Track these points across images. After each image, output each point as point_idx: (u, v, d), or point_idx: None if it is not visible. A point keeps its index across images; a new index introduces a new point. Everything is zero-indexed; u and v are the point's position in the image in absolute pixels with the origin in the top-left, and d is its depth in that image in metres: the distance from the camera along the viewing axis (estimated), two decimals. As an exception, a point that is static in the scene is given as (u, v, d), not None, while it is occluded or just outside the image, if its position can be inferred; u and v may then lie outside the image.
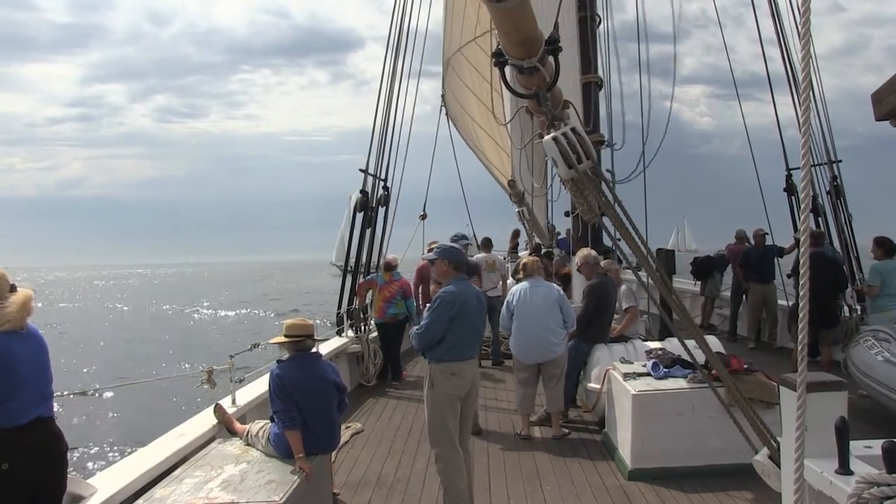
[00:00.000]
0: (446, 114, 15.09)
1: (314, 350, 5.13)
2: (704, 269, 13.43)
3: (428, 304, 5.03)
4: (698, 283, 13.67)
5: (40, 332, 3.47)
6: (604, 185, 4.05)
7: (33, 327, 3.42)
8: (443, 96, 15.13)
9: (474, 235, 14.82)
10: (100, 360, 23.04)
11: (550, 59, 4.15)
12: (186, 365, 19.66)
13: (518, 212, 16.20)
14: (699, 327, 7.20)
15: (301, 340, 4.87)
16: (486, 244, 11.90)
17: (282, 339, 4.93)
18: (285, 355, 4.90)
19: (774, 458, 3.22)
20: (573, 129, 3.80)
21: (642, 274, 4.59)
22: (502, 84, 4.55)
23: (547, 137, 3.86)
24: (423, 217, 13.26)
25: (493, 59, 4.20)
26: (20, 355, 3.24)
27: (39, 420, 3.29)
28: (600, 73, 10.50)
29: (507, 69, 4.27)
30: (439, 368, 4.80)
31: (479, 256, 10.82)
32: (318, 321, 5.21)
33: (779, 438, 3.16)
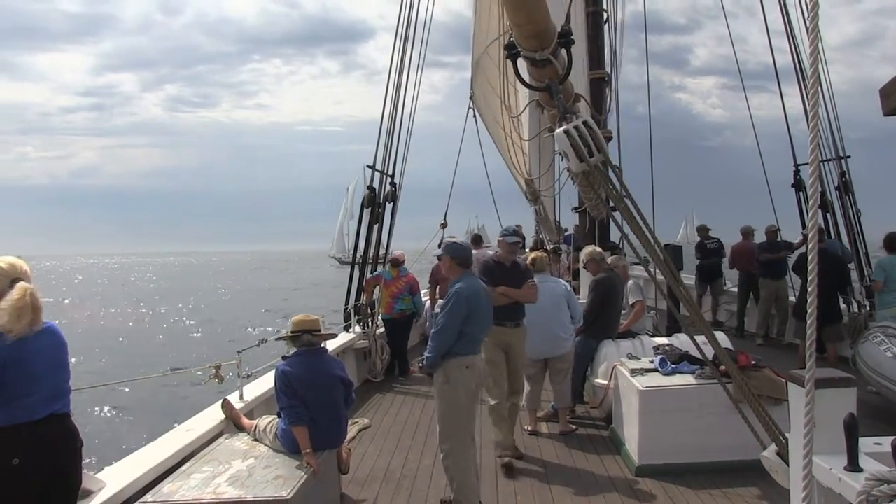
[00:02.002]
0: (473, 115, 14.95)
1: (321, 346, 5.14)
2: (707, 274, 13.39)
3: (439, 302, 5.08)
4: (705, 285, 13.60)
5: (60, 330, 3.46)
6: (614, 179, 4.03)
7: (52, 325, 3.41)
8: (471, 97, 15.01)
9: (510, 227, 14.63)
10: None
11: (563, 51, 4.14)
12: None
13: (535, 209, 16.12)
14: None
15: (298, 337, 4.89)
16: (477, 240, 11.87)
17: (286, 334, 4.95)
18: (292, 351, 4.92)
19: (783, 454, 3.21)
20: (585, 122, 3.79)
21: (651, 268, 4.57)
22: (516, 77, 4.54)
23: (559, 130, 3.84)
24: (444, 226, 13.24)
25: (506, 52, 4.20)
26: (36, 351, 3.23)
27: (54, 416, 3.27)
28: (607, 68, 10.49)
29: (520, 61, 4.27)
30: (455, 363, 4.81)
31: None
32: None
33: (787, 435, 3.15)
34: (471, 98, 15.01)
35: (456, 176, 14.36)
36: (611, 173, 3.94)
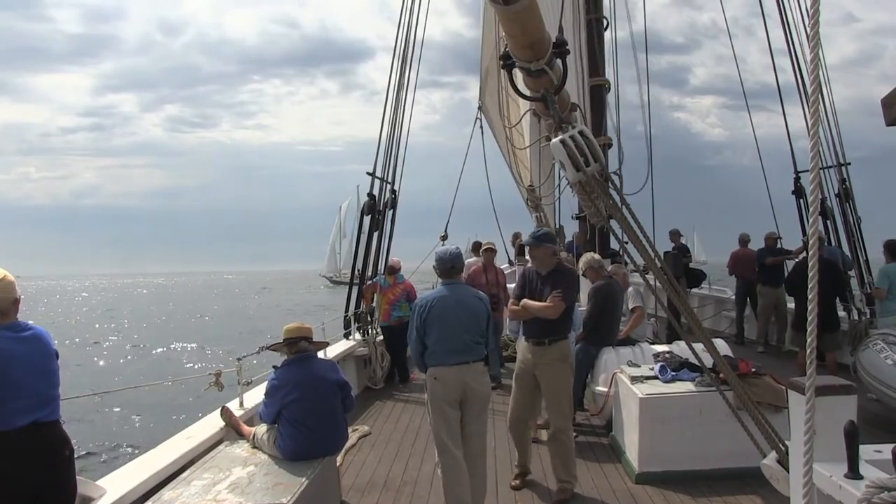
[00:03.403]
0: (481, 126, 14.88)
1: (313, 353, 5.10)
2: (697, 278, 13.58)
3: None
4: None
5: (48, 335, 3.41)
6: (611, 189, 4.05)
7: (40, 329, 3.36)
8: (479, 108, 14.96)
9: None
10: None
11: (558, 61, 4.16)
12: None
13: (536, 217, 16.16)
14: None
15: (296, 342, 4.88)
16: (476, 248, 11.92)
17: (280, 342, 4.93)
18: (283, 359, 4.92)
19: (783, 461, 3.21)
20: (581, 132, 3.80)
21: (650, 277, 4.57)
22: (511, 87, 4.55)
23: (555, 140, 3.86)
24: (444, 238, 13.29)
25: (501, 62, 4.21)
26: (16, 357, 3.15)
27: (37, 424, 3.18)
28: (609, 76, 10.53)
29: (515, 72, 4.28)
30: (428, 373, 4.87)
31: (469, 261, 10.86)
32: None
33: (787, 442, 3.15)
34: (479, 108, 14.98)
35: (457, 194, 14.38)
36: (612, 180, 3.95)
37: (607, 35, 10.65)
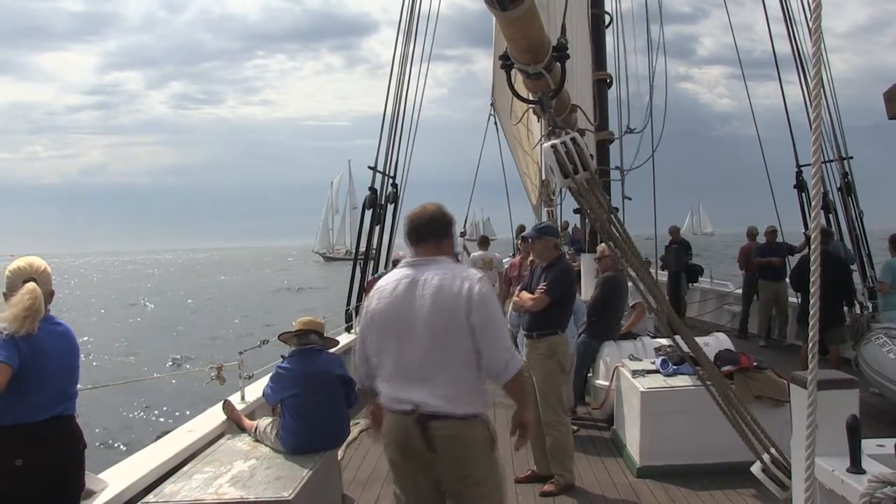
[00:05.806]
0: (495, 123, 14.90)
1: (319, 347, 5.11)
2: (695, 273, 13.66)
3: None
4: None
5: (73, 331, 3.48)
6: (600, 196, 4.04)
7: (69, 328, 3.45)
8: (492, 104, 14.96)
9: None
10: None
11: (557, 65, 4.15)
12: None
13: (548, 212, 16.15)
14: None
15: (303, 335, 4.89)
16: (483, 242, 11.90)
17: (291, 332, 4.94)
18: (290, 350, 4.94)
19: (767, 470, 3.23)
20: (573, 139, 3.79)
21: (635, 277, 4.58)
22: (509, 88, 4.55)
23: (546, 144, 3.87)
24: (463, 234, 13.32)
25: (500, 63, 4.20)
26: (49, 352, 3.24)
27: (58, 418, 3.28)
28: (612, 66, 10.52)
29: (514, 72, 4.27)
30: None
31: (475, 255, 10.86)
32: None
33: (775, 445, 3.16)
34: (492, 105, 14.97)
35: (463, 171, 14.47)
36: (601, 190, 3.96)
37: (609, 33, 10.65)
